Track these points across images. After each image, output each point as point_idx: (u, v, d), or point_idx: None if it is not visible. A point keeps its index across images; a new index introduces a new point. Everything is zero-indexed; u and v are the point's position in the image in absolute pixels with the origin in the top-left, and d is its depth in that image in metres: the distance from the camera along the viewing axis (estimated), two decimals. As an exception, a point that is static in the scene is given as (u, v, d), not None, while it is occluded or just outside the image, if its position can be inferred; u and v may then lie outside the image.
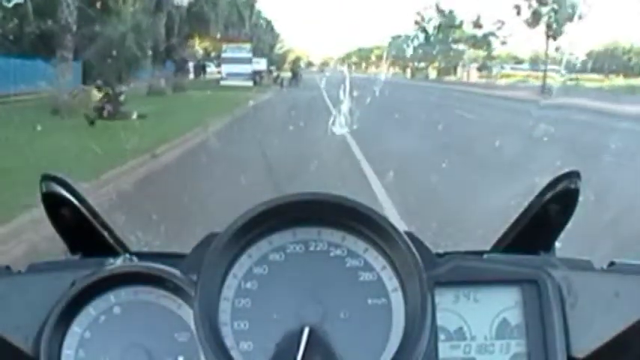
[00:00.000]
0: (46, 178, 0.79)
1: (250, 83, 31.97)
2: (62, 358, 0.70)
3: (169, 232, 2.79)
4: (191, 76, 37.77)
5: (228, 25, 35.06)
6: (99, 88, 14.08)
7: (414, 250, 0.69)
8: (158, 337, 0.72)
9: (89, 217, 0.83)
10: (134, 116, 12.73)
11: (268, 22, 44.88)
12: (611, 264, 0.76)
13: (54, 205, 0.80)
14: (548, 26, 28.27)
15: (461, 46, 46.21)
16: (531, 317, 0.72)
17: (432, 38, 47.29)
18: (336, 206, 0.71)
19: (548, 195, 0.81)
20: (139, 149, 7.95)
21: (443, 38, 45.97)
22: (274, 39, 49.32)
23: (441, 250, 0.78)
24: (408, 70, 56.80)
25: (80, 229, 0.83)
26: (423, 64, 53.46)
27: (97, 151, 7.10)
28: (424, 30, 48.11)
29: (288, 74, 36.52)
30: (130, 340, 0.72)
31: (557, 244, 0.86)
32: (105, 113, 13.20)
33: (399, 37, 55.26)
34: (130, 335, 0.72)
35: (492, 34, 41.29)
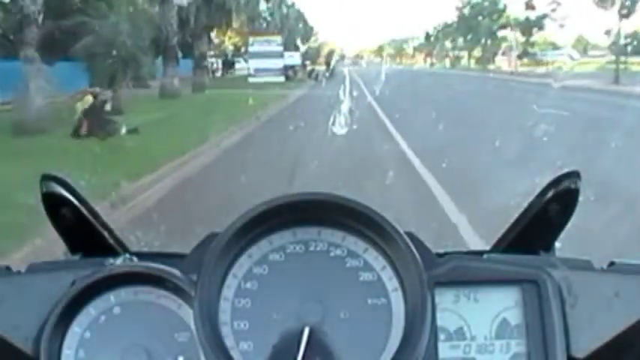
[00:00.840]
0: (46, 178, 0.79)
1: (282, 79, 29.24)
2: (62, 358, 0.71)
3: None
4: (219, 73, 35.23)
5: (254, 17, 31.83)
6: (94, 95, 11.48)
7: (414, 250, 0.69)
8: (158, 337, 0.72)
9: (89, 217, 0.83)
10: (123, 131, 9.98)
11: (300, 14, 42.45)
12: (611, 264, 0.76)
13: (54, 205, 0.80)
14: (622, 5, 24.22)
15: (503, 32, 41.52)
16: (531, 317, 0.72)
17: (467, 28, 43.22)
18: (336, 206, 0.71)
19: (548, 195, 0.81)
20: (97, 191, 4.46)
21: (486, 24, 41.65)
22: (308, 32, 46.88)
23: (441, 250, 0.78)
24: (447, 60, 53.12)
25: (80, 229, 0.83)
26: (463, 53, 49.43)
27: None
28: (462, 17, 43.74)
29: (322, 68, 34.30)
30: (130, 340, 0.72)
31: (557, 244, 0.86)
32: (83, 130, 10.44)
33: (434, 27, 52.07)
34: (130, 335, 0.72)
35: (546, 16, 36.30)
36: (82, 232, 0.83)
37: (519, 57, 41.11)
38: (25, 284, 0.74)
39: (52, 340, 0.70)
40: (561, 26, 36.30)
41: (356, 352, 0.68)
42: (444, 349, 0.72)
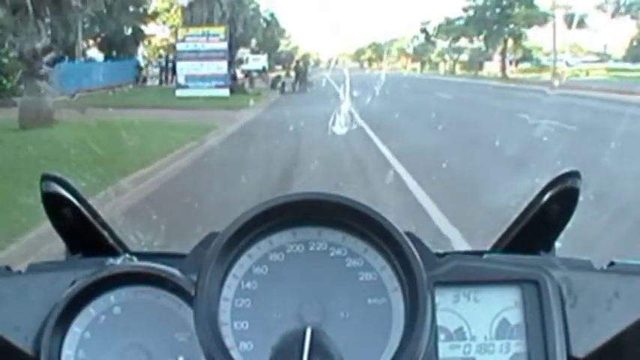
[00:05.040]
0: (46, 178, 0.79)
1: (225, 92, 19.36)
2: (62, 358, 0.71)
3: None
4: (154, 80, 25.68)
5: (194, 3, 21.24)
6: None
7: (414, 250, 0.69)
8: (158, 337, 0.72)
9: (89, 217, 0.83)
10: None
11: (271, 15, 34.65)
12: (611, 264, 0.77)
13: (54, 205, 0.80)
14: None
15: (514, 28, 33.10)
16: (531, 317, 0.72)
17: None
18: (336, 206, 0.71)
19: (548, 195, 0.81)
20: None
21: (522, 15, 32.12)
22: (279, 34, 39.71)
23: (441, 250, 0.78)
24: (441, 66, 44.55)
25: (80, 229, 0.83)
26: (462, 57, 40.45)
27: None
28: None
29: (291, 75, 25.73)
30: (130, 340, 0.72)
31: (557, 244, 0.86)
32: None
33: (427, 23, 41.83)
34: (130, 335, 0.72)
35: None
36: (82, 232, 0.83)
37: (515, 62, 35.32)
38: (25, 284, 0.74)
39: (52, 340, 0.70)
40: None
41: (356, 352, 0.68)
42: (444, 349, 0.72)
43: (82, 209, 0.82)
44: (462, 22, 37.16)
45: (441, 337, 0.72)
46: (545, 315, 0.72)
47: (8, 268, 0.77)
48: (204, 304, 0.67)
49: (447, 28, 38.89)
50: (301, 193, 0.71)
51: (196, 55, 19.80)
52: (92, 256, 0.82)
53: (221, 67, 20.03)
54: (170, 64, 25.42)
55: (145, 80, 26.11)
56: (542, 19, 31.74)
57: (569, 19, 29.82)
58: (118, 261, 0.76)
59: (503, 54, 34.56)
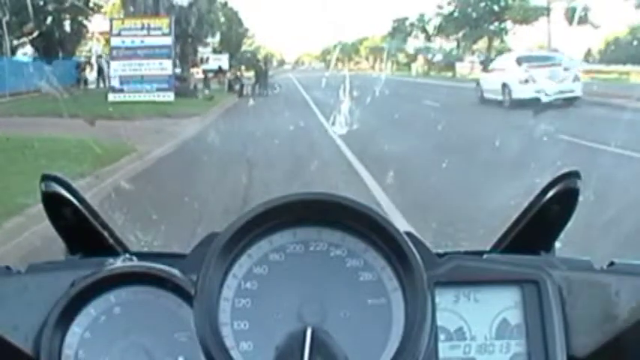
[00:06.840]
0: (46, 177, 0.79)
1: (169, 96, 16.30)
2: (62, 358, 0.71)
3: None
4: (98, 84, 21.26)
5: None
6: None
7: (414, 250, 0.69)
8: (158, 337, 0.72)
9: (89, 217, 0.83)
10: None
11: (233, 12, 31.73)
12: (611, 264, 0.77)
13: (54, 205, 0.80)
14: None
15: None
16: (531, 317, 0.72)
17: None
18: (336, 206, 0.71)
19: (548, 195, 0.81)
20: None
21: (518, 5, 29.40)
22: (242, 33, 36.47)
23: (441, 250, 0.78)
24: (414, 66, 40.27)
25: (80, 229, 0.83)
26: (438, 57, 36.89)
27: None
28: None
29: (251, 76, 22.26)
30: (130, 340, 0.72)
31: (557, 244, 0.86)
32: None
33: (405, 20, 38.68)
34: (130, 335, 0.72)
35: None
36: (82, 232, 0.83)
37: (482, 63, 31.01)
38: (25, 284, 0.74)
39: (52, 340, 0.70)
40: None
41: (356, 353, 0.68)
42: (444, 349, 0.72)
43: (82, 209, 0.82)
44: (439, 19, 34.95)
45: (441, 337, 0.72)
46: (545, 315, 0.72)
47: (8, 268, 0.77)
48: (204, 304, 0.67)
49: (447, 26, 35.75)
50: (301, 193, 0.71)
51: (134, 53, 16.53)
52: (92, 256, 0.82)
53: (165, 66, 16.66)
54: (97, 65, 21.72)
55: (86, 82, 22.13)
56: (539, 14, 29.35)
57: (569, 14, 26.99)
58: (118, 261, 0.76)
59: (488, 52, 31.61)
